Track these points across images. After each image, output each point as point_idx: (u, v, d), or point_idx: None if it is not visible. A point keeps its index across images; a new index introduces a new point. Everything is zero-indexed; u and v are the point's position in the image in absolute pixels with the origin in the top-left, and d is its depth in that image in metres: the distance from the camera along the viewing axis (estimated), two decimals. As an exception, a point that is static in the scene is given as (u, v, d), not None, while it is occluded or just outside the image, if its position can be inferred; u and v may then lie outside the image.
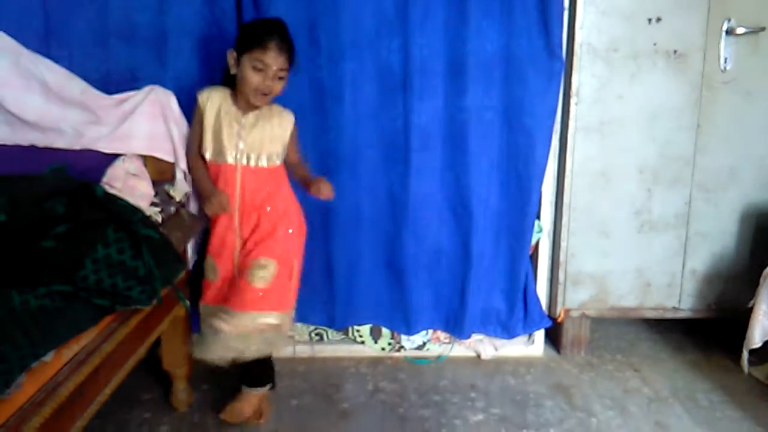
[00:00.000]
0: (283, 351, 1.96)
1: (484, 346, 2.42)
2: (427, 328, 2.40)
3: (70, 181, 1.52)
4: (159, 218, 1.70)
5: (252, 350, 1.77)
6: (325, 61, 2.08)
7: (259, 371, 1.92)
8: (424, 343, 2.43)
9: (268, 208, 1.83)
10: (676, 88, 2.23)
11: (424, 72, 2.13)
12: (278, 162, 1.84)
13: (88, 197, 1.43)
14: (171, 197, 1.85)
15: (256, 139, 1.79)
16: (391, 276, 2.31)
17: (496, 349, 2.43)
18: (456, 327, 2.35)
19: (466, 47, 2.11)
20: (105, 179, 1.63)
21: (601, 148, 2.27)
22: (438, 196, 2.26)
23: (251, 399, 1.93)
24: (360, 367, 2.31)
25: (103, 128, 1.78)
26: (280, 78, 1.74)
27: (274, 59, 1.70)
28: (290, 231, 1.86)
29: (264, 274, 1.78)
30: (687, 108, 2.25)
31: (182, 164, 1.87)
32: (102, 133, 1.78)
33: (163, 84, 1.92)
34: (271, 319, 1.78)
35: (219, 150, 1.79)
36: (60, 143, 1.77)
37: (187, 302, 1.91)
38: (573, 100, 2.23)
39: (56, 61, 1.85)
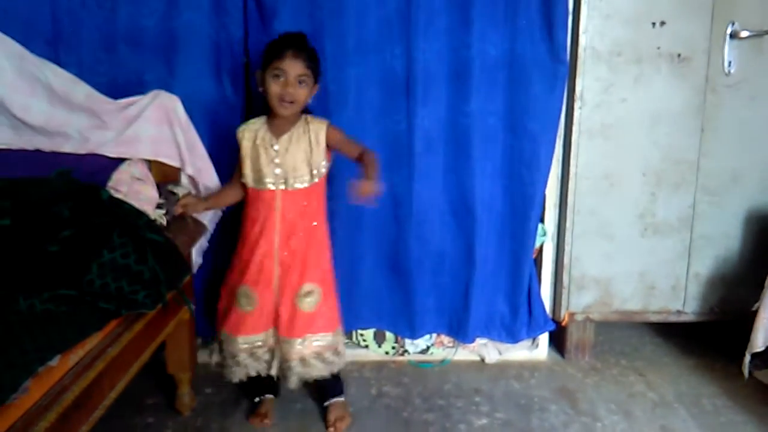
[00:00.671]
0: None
1: (488, 350, 2.42)
2: (431, 332, 2.40)
3: (75, 185, 1.52)
4: (164, 221, 1.70)
5: (313, 374, 1.87)
6: (330, 66, 2.09)
7: (335, 381, 2.00)
8: (428, 347, 2.43)
9: (301, 234, 1.85)
10: (680, 91, 2.23)
11: (428, 76, 2.13)
12: (317, 179, 1.84)
13: (93, 201, 1.43)
14: (174, 194, 1.85)
15: (290, 163, 1.81)
16: (395, 280, 2.31)
17: (500, 353, 2.42)
18: (460, 331, 2.35)
19: (470, 52, 2.12)
20: (110, 183, 1.64)
21: (604, 151, 2.27)
22: (441, 199, 2.26)
23: (339, 407, 2.00)
24: (364, 371, 2.31)
25: (108, 133, 1.78)
26: (301, 83, 1.76)
27: (290, 65, 1.73)
28: (314, 224, 1.87)
29: (311, 300, 1.85)
30: (691, 112, 2.25)
31: (188, 169, 1.88)
32: (107, 137, 1.78)
33: (171, 89, 1.93)
34: (324, 341, 1.87)
35: (258, 177, 1.83)
36: (65, 147, 1.78)
37: (192, 306, 1.91)
38: (576, 104, 2.23)
39: (65, 66, 1.86)
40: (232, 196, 1.94)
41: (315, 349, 1.86)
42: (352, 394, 2.11)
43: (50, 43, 2.03)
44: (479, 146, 2.19)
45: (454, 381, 2.27)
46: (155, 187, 1.77)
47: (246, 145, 1.84)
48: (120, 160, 1.76)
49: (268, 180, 1.81)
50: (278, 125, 1.83)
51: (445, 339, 2.43)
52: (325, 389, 2.02)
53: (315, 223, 1.87)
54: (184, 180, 1.92)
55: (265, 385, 2.02)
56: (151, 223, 1.55)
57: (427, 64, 2.12)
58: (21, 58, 1.74)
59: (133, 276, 1.35)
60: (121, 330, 1.45)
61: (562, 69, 2.15)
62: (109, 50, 2.07)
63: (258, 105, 2.14)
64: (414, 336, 2.36)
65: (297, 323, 1.84)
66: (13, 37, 1.75)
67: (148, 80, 2.07)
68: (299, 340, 1.84)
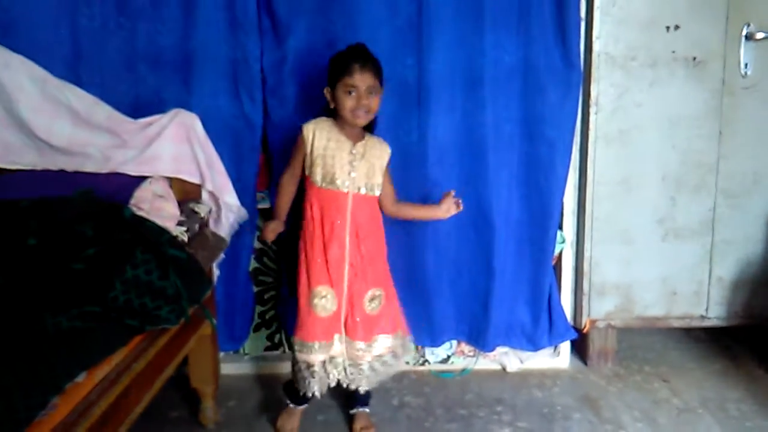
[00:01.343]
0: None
1: (509, 358, 2.41)
2: (450, 339, 2.40)
3: (98, 203, 1.56)
4: (185, 238, 1.72)
5: (376, 378, 1.93)
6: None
7: (364, 392, 1.99)
8: (449, 357, 2.43)
9: (371, 239, 1.90)
10: (697, 95, 2.22)
11: (441, 86, 2.14)
12: (378, 192, 1.91)
13: (116, 219, 1.46)
14: (196, 213, 1.88)
15: (366, 169, 1.86)
16: (413, 289, 2.30)
17: (521, 362, 2.42)
18: (480, 339, 2.34)
19: (483, 60, 2.13)
20: (132, 201, 1.67)
21: (621, 156, 2.26)
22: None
23: (364, 417, 2.02)
24: (384, 381, 2.31)
25: (129, 152, 1.82)
26: (371, 93, 1.81)
27: (360, 79, 1.78)
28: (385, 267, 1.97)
29: (375, 303, 1.90)
30: (708, 115, 2.24)
31: (208, 185, 1.90)
32: (128, 156, 1.81)
33: (189, 106, 1.96)
34: (384, 343, 1.92)
35: (331, 178, 1.84)
36: (88, 167, 1.82)
37: (214, 320, 1.93)
38: (592, 110, 2.23)
39: (87, 86, 1.90)
40: (291, 195, 1.98)
41: (380, 352, 1.91)
42: (373, 405, 2.11)
43: (71, 64, 2.07)
44: (495, 154, 2.19)
45: (476, 390, 2.27)
46: (176, 204, 1.79)
47: (319, 144, 1.85)
48: (141, 178, 1.79)
49: (340, 182, 1.84)
50: (350, 132, 1.87)
51: (466, 348, 2.42)
52: (353, 398, 2.03)
53: (379, 229, 1.93)
54: (204, 196, 1.94)
55: (303, 394, 2.00)
56: (172, 239, 1.57)
57: (440, 74, 2.14)
58: (44, 81, 1.78)
59: (156, 292, 1.37)
60: (146, 345, 1.48)
61: (576, 75, 2.15)
62: (129, 70, 2.11)
63: (274, 121, 2.18)
64: (434, 344, 2.36)
65: (366, 326, 1.88)
66: (35, 61, 1.79)
67: (167, 98, 2.10)
68: (367, 344, 1.88)
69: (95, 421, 1.24)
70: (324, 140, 1.85)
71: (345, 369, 1.89)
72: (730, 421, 2.03)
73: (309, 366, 1.86)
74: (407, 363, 2.41)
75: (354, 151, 1.85)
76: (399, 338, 1.96)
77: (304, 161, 1.90)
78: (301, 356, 1.87)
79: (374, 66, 1.83)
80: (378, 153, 1.90)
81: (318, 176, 1.85)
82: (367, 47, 1.86)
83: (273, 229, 1.95)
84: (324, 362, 1.87)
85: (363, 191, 1.86)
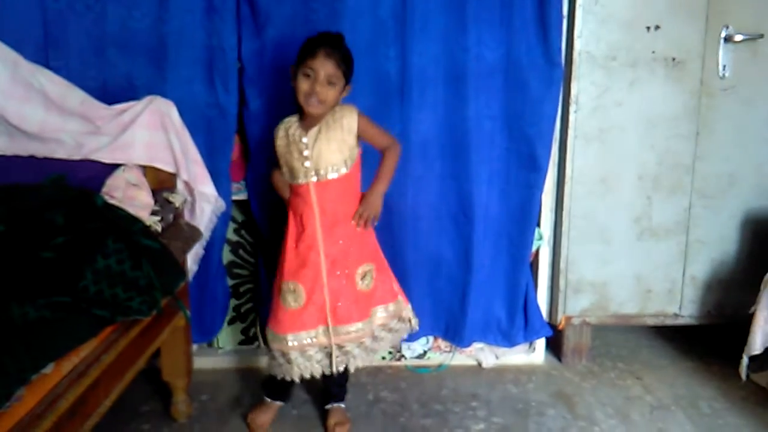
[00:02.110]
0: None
1: (485, 354, 2.42)
2: (426, 335, 2.39)
3: (69, 191, 1.52)
4: (159, 228, 1.69)
5: (384, 347, 1.98)
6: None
7: (339, 387, 2.03)
8: (425, 352, 2.42)
9: (344, 222, 1.85)
10: (675, 95, 2.24)
11: (423, 80, 2.13)
12: (345, 170, 1.82)
13: (88, 207, 1.43)
14: (170, 202, 1.84)
15: (320, 154, 1.81)
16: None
17: (497, 358, 2.42)
18: (456, 335, 2.34)
19: (466, 55, 2.12)
20: (105, 189, 1.63)
21: (600, 155, 2.27)
22: (438, 204, 2.26)
23: (340, 412, 2.01)
24: (360, 376, 2.30)
25: (102, 138, 1.77)
26: (330, 83, 1.76)
27: (321, 64, 1.73)
28: (372, 242, 1.95)
29: (368, 279, 1.88)
30: (686, 115, 2.26)
31: (183, 174, 1.87)
32: (102, 143, 1.77)
33: (162, 93, 1.92)
34: (387, 312, 1.94)
35: (292, 173, 1.84)
36: (60, 153, 1.77)
37: (188, 312, 1.90)
38: (572, 108, 2.23)
39: (54, 71, 1.84)
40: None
41: (381, 322, 1.92)
42: (348, 400, 2.10)
43: (41, 47, 2.01)
44: (475, 150, 2.19)
45: (451, 386, 2.27)
46: (150, 193, 1.76)
47: (279, 144, 1.87)
48: (114, 166, 1.76)
49: (300, 174, 1.82)
50: (309, 120, 1.83)
51: (442, 344, 2.42)
52: (328, 393, 2.03)
53: (353, 210, 1.87)
54: (180, 186, 1.91)
55: (281, 389, 2.00)
56: (146, 229, 1.54)
57: (423, 68, 2.13)
58: (15, 64, 1.73)
59: (128, 282, 1.34)
60: (116, 337, 1.44)
61: (558, 72, 2.15)
62: (99, 54, 2.06)
63: (252, 111, 2.14)
64: (410, 339, 2.35)
65: (360, 305, 1.86)
66: (5, 43, 1.74)
67: (139, 84, 2.06)
68: (367, 321, 1.87)
69: (62, 413, 1.21)
70: (284, 138, 1.86)
71: (330, 358, 1.84)
72: (703, 418, 2.05)
73: (284, 354, 1.84)
74: (383, 358, 2.40)
75: (305, 140, 1.81)
76: (401, 303, 1.97)
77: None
78: (273, 345, 1.86)
79: (342, 57, 1.78)
80: (339, 124, 1.81)
81: (286, 174, 1.88)
82: (344, 38, 1.82)
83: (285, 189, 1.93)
84: (303, 352, 1.83)
85: (324, 178, 1.81)
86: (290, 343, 1.82)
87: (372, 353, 1.92)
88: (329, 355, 1.85)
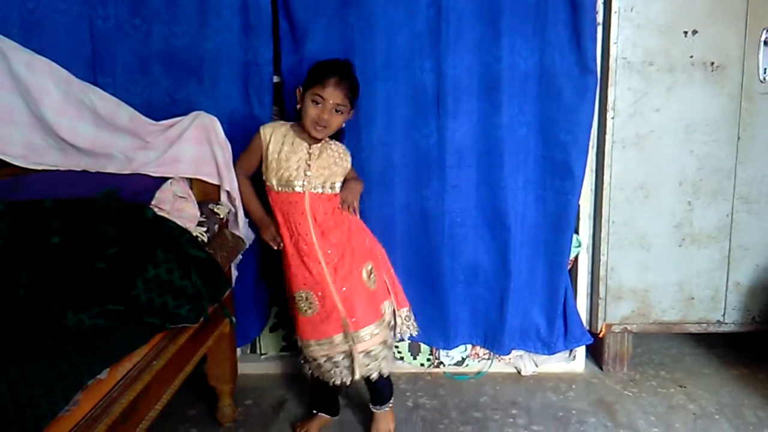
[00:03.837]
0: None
1: (524, 362, 2.42)
2: (465, 343, 2.41)
3: (120, 204, 1.58)
4: (205, 238, 1.75)
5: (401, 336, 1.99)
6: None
7: (384, 390, 2.00)
8: (463, 359, 2.44)
9: (337, 228, 1.89)
10: (715, 100, 2.21)
11: (458, 90, 2.16)
12: (337, 191, 1.90)
13: (138, 219, 1.48)
14: (216, 213, 1.90)
15: (321, 167, 1.86)
16: (428, 292, 2.32)
17: (536, 365, 2.42)
18: (495, 343, 2.35)
19: (500, 65, 2.14)
20: (154, 202, 1.69)
21: (639, 161, 2.26)
22: (474, 212, 2.28)
23: (388, 416, 2.01)
24: (399, 383, 2.32)
25: (151, 153, 1.84)
26: (338, 112, 1.82)
27: (330, 93, 1.79)
28: (366, 242, 1.97)
29: (373, 276, 1.91)
30: (726, 120, 2.23)
31: (226, 186, 1.93)
32: (150, 157, 1.84)
33: (202, 108, 1.99)
34: (390, 307, 1.95)
35: (286, 179, 1.86)
36: (110, 168, 1.85)
37: (233, 319, 1.95)
38: (609, 114, 2.22)
39: (102, 88, 1.93)
40: (252, 191, 1.99)
41: (389, 318, 1.93)
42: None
43: (90, 66, 2.10)
44: (511, 158, 2.20)
45: (491, 393, 2.27)
46: (196, 204, 1.82)
47: (274, 149, 1.87)
48: (162, 179, 1.82)
49: (296, 183, 1.85)
50: (306, 136, 1.87)
51: (481, 351, 2.43)
52: (375, 395, 2.00)
53: (343, 218, 1.91)
54: (223, 198, 1.97)
55: (328, 402, 2.04)
56: (193, 239, 1.59)
57: (458, 78, 2.15)
58: (67, 83, 1.81)
59: (177, 291, 1.39)
60: (166, 343, 1.49)
61: (592, 79, 2.15)
62: (144, 71, 2.14)
63: (296, 122, 2.19)
64: (448, 346, 2.36)
65: (372, 304, 1.88)
66: (56, 62, 1.82)
67: (180, 99, 2.14)
68: (381, 319, 1.88)
69: (116, 417, 1.26)
70: (279, 144, 1.87)
71: (354, 364, 1.84)
72: (747, 427, 2.01)
73: (314, 359, 1.88)
74: (422, 365, 2.42)
75: (310, 151, 1.86)
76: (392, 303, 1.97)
77: (260, 163, 1.92)
78: (304, 352, 1.90)
79: (350, 86, 1.83)
80: (337, 156, 1.90)
81: (273, 180, 1.88)
82: (353, 67, 1.88)
83: (270, 232, 1.93)
84: (330, 358, 1.86)
85: (319, 190, 1.86)
86: (313, 348, 1.86)
87: (391, 359, 1.94)
88: (352, 360, 1.86)
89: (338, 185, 1.90)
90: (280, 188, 1.87)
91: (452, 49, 2.12)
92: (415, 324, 2.01)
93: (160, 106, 2.11)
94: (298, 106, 1.86)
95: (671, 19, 2.17)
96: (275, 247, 1.92)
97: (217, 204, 1.93)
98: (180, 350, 1.57)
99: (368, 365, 1.85)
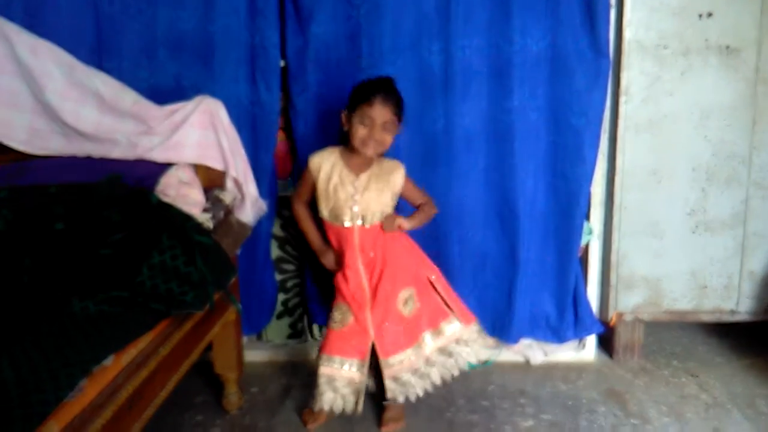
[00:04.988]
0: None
1: (533, 351, 2.39)
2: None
3: (125, 190, 1.57)
4: (210, 224, 1.73)
5: (442, 372, 1.96)
6: (366, 66, 2.09)
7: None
8: (472, 348, 2.41)
9: (380, 254, 1.90)
10: (730, 84, 2.17)
11: (467, 73, 2.12)
12: (381, 218, 1.89)
13: (143, 205, 1.47)
14: (221, 200, 1.88)
15: (368, 201, 1.86)
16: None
17: (545, 354, 2.39)
18: (504, 331, 2.32)
19: (510, 47, 2.10)
20: (158, 188, 1.67)
21: (652, 146, 2.22)
22: (483, 198, 2.25)
23: (396, 409, 2.00)
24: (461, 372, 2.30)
25: (155, 138, 1.82)
26: (386, 130, 1.82)
27: (378, 113, 1.79)
28: (411, 264, 1.97)
29: (410, 305, 1.92)
30: (741, 105, 2.18)
31: (231, 171, 1.90)
32: (155, 142, 1.82)
33: (209, 92, 1.96)
34: (438, 335, 1.95)
35: (336, 213, 1.88)
36: (115, 153, 1.82)
37: (239, 305, 1.94)
38: (622, 99, 2.18)
39: (107, 72, 1.90)
40: (310, 217, 2.02)
41: (436, 345, 1.94)
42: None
43: (95, 50, 2.09)
44: (521, 143, 2.16)
45: (499, 382, 2.25)
46: (201, 190, 1.80)
47: (322, 179, 1.89)
48: (167, 165, 1.80)
49: (345, 217, 1.86)
50: (357, 163, 1.88)
51: (489, 339, 2.40)
52: (384, 389, 2.01)
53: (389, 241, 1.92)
54: (229, 184, 1.94)
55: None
56: (198, 226, 1.57)
57: (467, 61, 2.11)
58: (71, 67, 1.79)
59: (182, 277, 1.37)
60: (171, 330, 1.48)
61: (605, 63, 2.11)
62: (150, 56, 2.12)
63: (297, 108, 2.17)
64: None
65: (408, 331, 1.90)
66: (61, 47, 1.80)
67: (186, 84, 2.12)
68: (415, 346, 1.91)
69: (122, 404, 1.25)
70: (328, 175, 1.88)
71: (357, 396, 1.89)
72: (760, 417, 1.99)
73: (330, 380, 1.89)
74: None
75: (356, 185, 1.86)
76: (452, 323, 1.96)
77: (313, 191, 1.93)
78: (322, 369, 1.91)
79: (396, 102, 1.83)
80: (387, 177, 1.89)
81: (325, 212, 1.90)
82: (395, 82, 1.86)
83: (329, 260, 1.98)
84: (331, 382, 1.89)
85: (368, 224, 1.87)
86: (325, 366, 1.89)
87: (427, 378, 1.93)
88: (356, 393, 1.89)
89: (385, 211, 1.89)
90: (330, 219, 1.90)
91: (461, 31, 2.08)
92: (483, 342, 2.06)
93: (167, 91, 2.08)
94: (346, 129, 1.86)
95: (686, 1, 2.12)
96: (333, 266, 1.97)
97: (222, 190, 1.90)
98: (185, 337, 1.56)
99: (395, 390, 1.90)
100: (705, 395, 2.13)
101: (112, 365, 1.23)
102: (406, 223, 1.91)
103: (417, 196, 1.98)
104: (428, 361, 1.94)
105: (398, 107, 1.85)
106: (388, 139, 1.84)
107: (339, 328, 1.90)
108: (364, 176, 1.87)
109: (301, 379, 2.28)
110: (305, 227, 2.02)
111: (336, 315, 1.92)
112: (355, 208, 1.85)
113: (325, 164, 1.89)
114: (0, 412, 0.92)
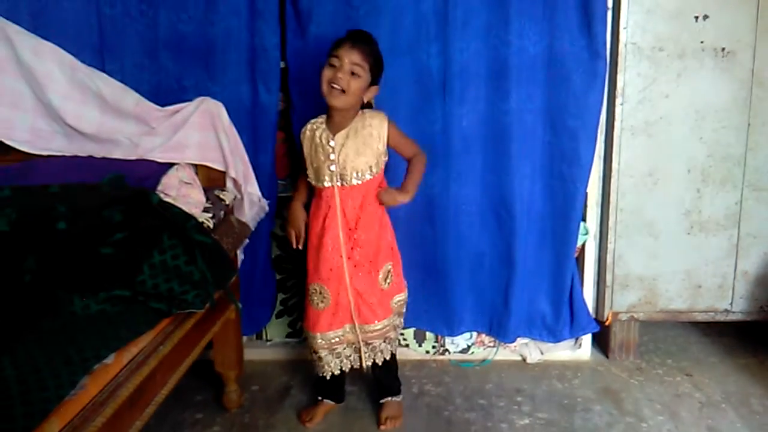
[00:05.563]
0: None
1: (529, 349, 2.41)
2: (470, 330, 2.41)
3: (126, 189, 1.58)
4: (211, 224, 1.75)
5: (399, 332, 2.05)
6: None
7: (390, 380, 2.07)
8: (469, 347, 2.43)
9: (364, 227, 1.87)
10: (725, 86, 2.19)
11: (465, 75, 2.14)
12: (369, 176, 1.84)
13: (144, 205, 1.48)
14: (221, 200, 1.90)
15: (345, 158, 1.81)
16: (432, 279, 2.32)
17: (542, 353, 2.41)
18: (500, 330, 2.34)
19: (508, 50, 2.12)
20: (160, 188, 1.69)
21: (647, 148, 2.24)
22: (480, 199, 2.26)
23: (394, 406, 2.03)
24: (404, 369, 2.32)
25: (156, 139, 1.84)
26: (354, 74, 1.75)
27: (345, 52, 1.74)
28: (389, 238, 1.97)
29: (390, 278, 1.95)
30: (736, 106, 2.20)
31: (232, 172, 1.92)
32: (156, 143, 1.84)
33: (209, 94, 1.98)
34: (401, 300, 2.01)
35: (317, 175, 1.87)
36: (116, 154, 1.85)
37: (239, 305, 1.96)
38: (618, 100, 2.20)
39: (110, 74, 1.93)
40: (307, 192, 2.00)
41: (397, 310, 1.99)
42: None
43: (97, 52, 2.10)
44: (518, 144, 2.18)
45: (496, 381, 2.27)
46: (202, 191, 1.82)
47: (306, 144, 1.88)
48: (168, 165, 1.82)
49: (325, 177, 1.84)
50: (337, 122, 1.83)
51: (486, 338, 2.43)
52: (382, 386, 2.06)
53: (375, 213, 1.89)
54: (229, 184, 1.97)
55: (333, 389, 2.05)
56: (199, 225, 1.59)
57: (465, 63, 2.13)
58: (73, 68, 1.81)
59: (183, 277, 1.39)
60: (172, 329, 1.50)
61: (602, 65, 2.12)
62: (151, 57, 2.14)
63: (298, 109, 2.18)
64: (452, 333, 2.37)
65: (383, 303, 1.92)
66: (64, 48, 1.82)
67: (188, 86, 2.13)
68: (390, 317, 1.93)
69: (123, 402, 1.26)
70: (311, 140, 1.87)
71: (359, 353, 1.93)
72: (754, 416, 2.01)
73: (315, 351, 1.92)
74: (427, 352, 2.42)
75: (332, 144, 1.82)
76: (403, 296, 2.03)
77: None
78: (308, 342, 1.94)
79: (369, 50, 1.78)
80: (368, 132, 1.82)
81: (312, 175, 1.89)
82: (372, 36, 1.82)
83: (295, 227, 1.96)
84: (332, 350, 1.92)
85: (349, 183, 1.83)
86: (319, 341, 1.89)
87: (395, 342, 2.01)
88: (358, 350, 1.93)
89: (368, 172, 1.83)
90: (315, 182, 1.88)
91: (459, 33, 2.10)
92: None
93: (168, 92, 2.10)
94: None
95: (682, 3, 2.14)
96: (293, 245, 1.96)
97: (223, 190, 1.92)
98: (186, 336, 1.57)
99: (370, 355, 1.94)
100: (699, 394, 2.15)
101: (114, 363, 1.24)
102: (405, 196, 1.84)
103: (406, 147, 1.90)
104: (395, 327, 1.98)
105: (372, 56, 1.77)
106: (354, 85, 1.74)
107: (322, 308, 1.88)
108: (340, 134, 1.82)
109: (301, 377, 2.29)
110: (293, 194, 2.01)
111: (313, 297, 1.89)
112: (333, 167, 1.82)
113: (308, 130, 1.88)
114: (2, 410, 0.93)
